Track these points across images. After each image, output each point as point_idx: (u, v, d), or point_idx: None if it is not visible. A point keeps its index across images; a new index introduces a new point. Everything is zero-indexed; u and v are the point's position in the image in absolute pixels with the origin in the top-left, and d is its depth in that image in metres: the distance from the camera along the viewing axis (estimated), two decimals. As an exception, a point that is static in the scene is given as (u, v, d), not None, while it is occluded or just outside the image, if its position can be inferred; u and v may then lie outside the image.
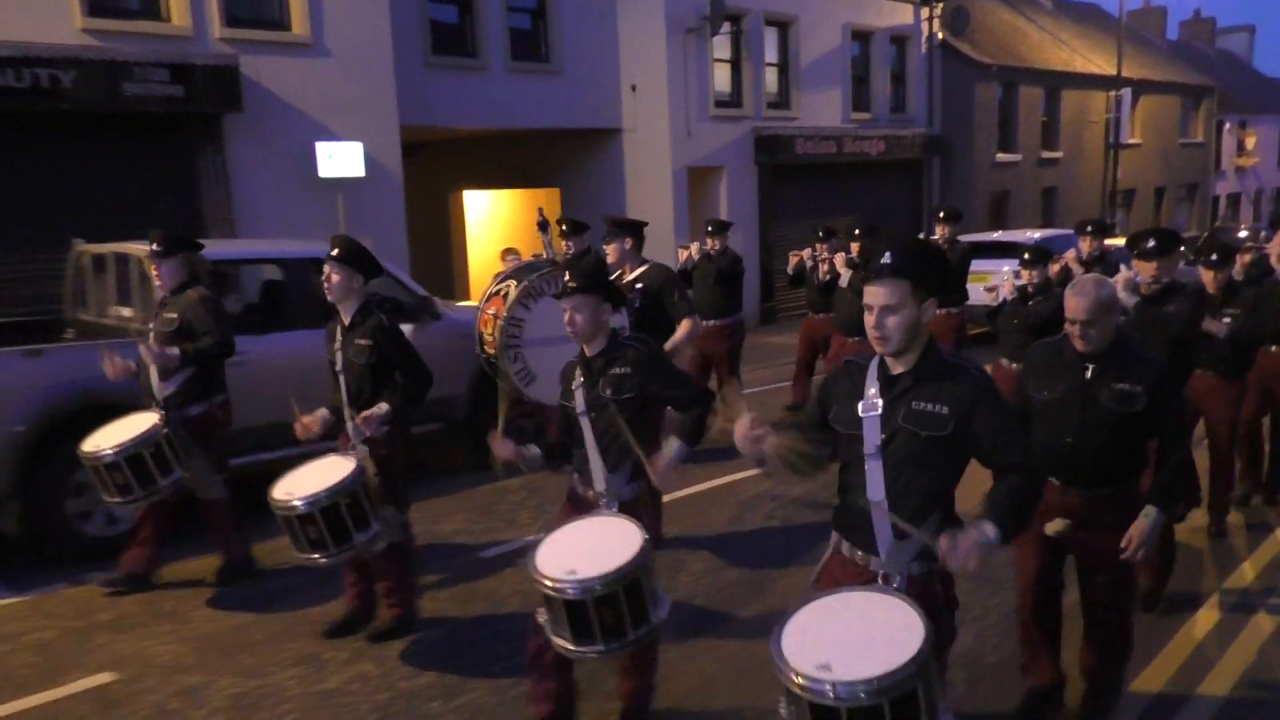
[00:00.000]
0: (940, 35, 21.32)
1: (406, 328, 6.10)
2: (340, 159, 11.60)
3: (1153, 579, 4.96)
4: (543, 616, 3.39)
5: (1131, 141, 26.45)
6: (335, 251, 4.64)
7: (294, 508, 4.28)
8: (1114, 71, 24.69)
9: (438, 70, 13.84)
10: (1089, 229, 7.63)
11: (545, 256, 7.02)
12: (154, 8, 10.44)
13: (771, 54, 18.00)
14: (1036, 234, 15.67)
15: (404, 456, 4.83)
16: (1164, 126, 28.95)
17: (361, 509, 4.40)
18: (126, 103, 9.92)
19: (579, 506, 3.77)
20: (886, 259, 2.72)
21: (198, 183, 10.75)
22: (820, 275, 8.86)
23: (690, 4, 15.93)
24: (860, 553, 2.85)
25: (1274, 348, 6.32)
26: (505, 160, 17.73)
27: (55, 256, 8.98)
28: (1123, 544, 3.52)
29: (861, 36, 19.70)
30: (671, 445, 3.62)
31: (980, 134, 22.04)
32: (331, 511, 4.29)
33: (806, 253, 9.20)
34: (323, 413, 4.72)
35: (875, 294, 2.73)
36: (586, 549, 3.32)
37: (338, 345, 4.69)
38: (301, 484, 4.40)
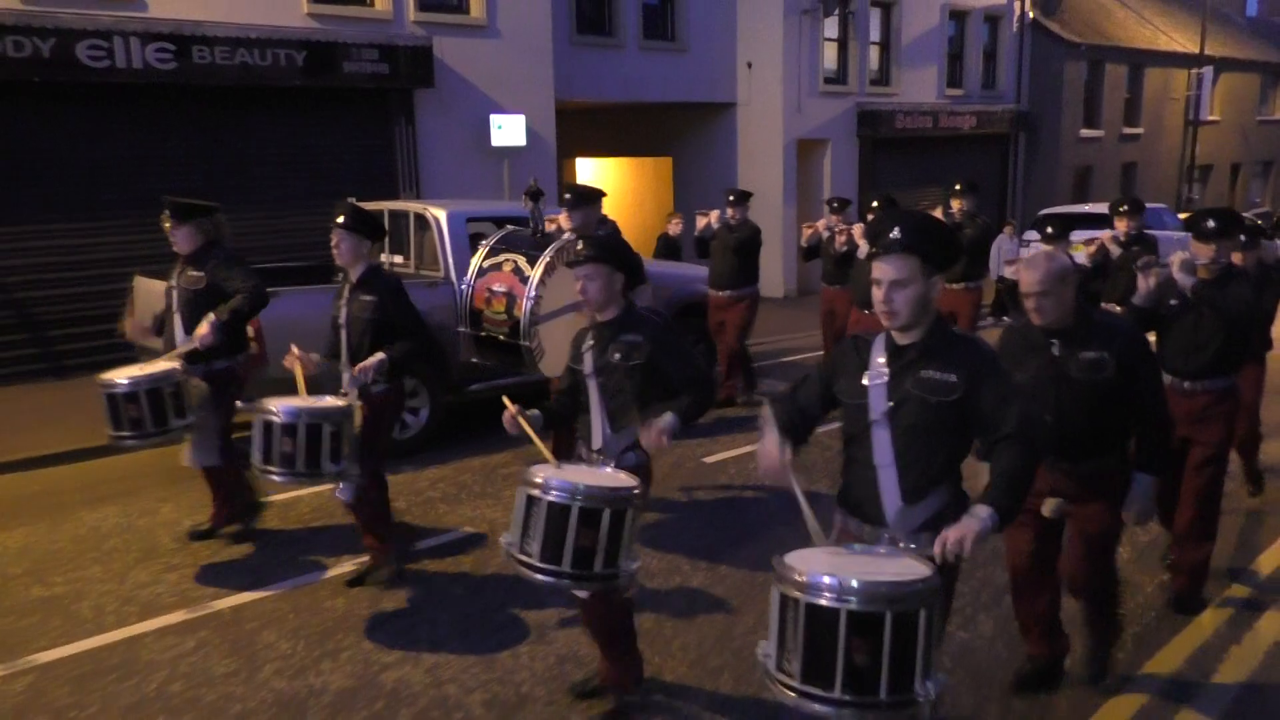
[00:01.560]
0: (1031, 14, 22.17)
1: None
2: (508, 130, 13.01)
3: (1185, 581, 4.83)
4: (508, 536, 3.28)
5: (1210, 119, 27.06)
6: (341, 219, 4.72)
7: (276, 414, 4.33)
8: (1195, 49, 25.33)
9: (581, 48, 15.16)
10: (1123, 208, 7.30)
11: (539, 229, 6.69)
12: (363, -8, 11.90)
13: (875, 33, 19.07)
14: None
15: (390, 423, 5.00)
16: (1242, 104, 29.45)
17: (340, 442, 4.43)
18: (344, 79, 11.42)
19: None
20: (895, 234, 2.71)
21: (393, 150, 12.25)
22: (837, 246, 8.51)
23: (805, -14, 17.08)
24: (868, 528, 2.85)
25: None
26: (618, 130, 19.04)
27: (289, 213, 10.61)
28: (1124, 518, 3.66)
29: (958, 15, 20.66)
30: (666, 416, 3.59)
31: (1066, 110, 22.92)
32: (313, 431, 4.34)
33: (821, 224, 8.96)
34: (315, 356, 4.81)
35: (884, 269, 2.74)
36: (585, 473, 3.39)
37: (343, 301, 4.82)
38: (294, 402, 4.48)
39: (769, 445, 2.87)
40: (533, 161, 13.48)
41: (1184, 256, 4.74)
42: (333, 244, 4.75)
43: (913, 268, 2.71)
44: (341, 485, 4.71)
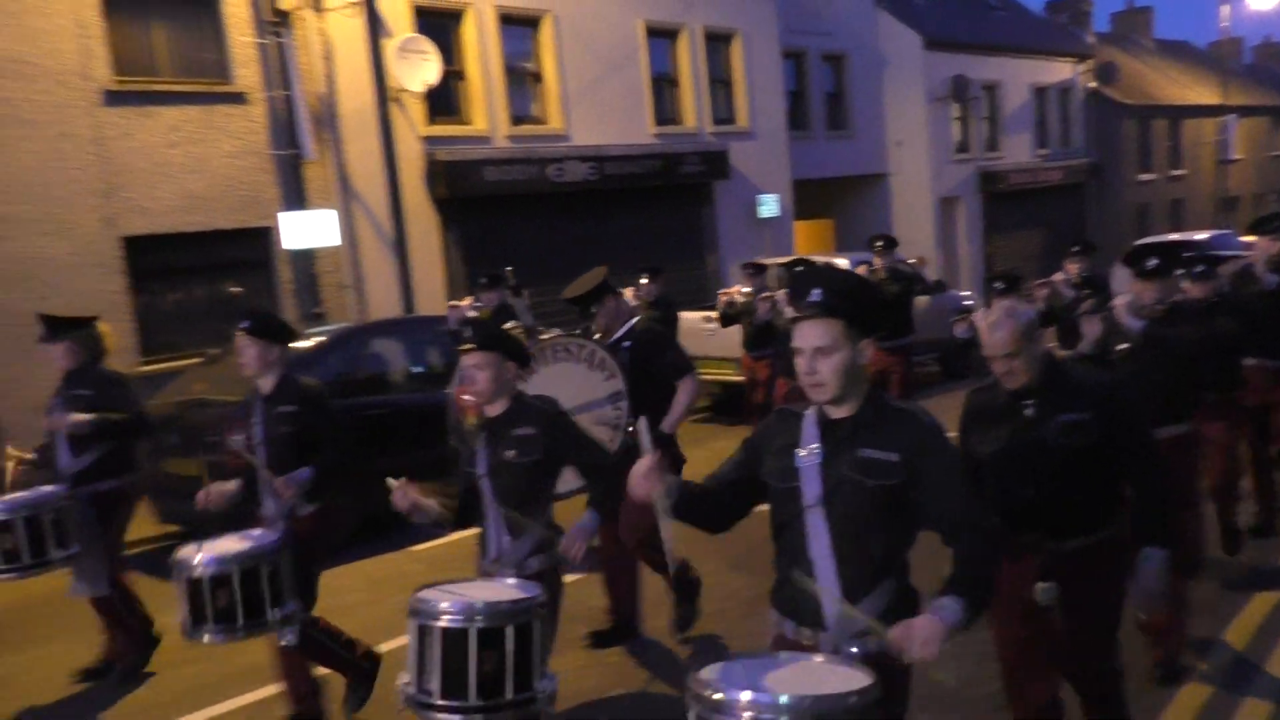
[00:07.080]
0: (1093, 85, 27.21)
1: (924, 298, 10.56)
2: (768, 206, 17.66)
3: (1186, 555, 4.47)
4: (404, 676, 2.93)
5: (1235, 157, 32.00)
6: (246, 324, 4.21)
7: (200, 567, 3.74)
8: (1214, 100, 30.37)
9: (789, 141, 19.88)
10: (1075, 250, 7.07)
11: (521, 323, 6.10)
12: (679, 115, 16.58)
13: (985, 110, 24.00)
14: (1202, 235, 21.14)
15: (325, 550, 4.40)
16: (1258, 141, 34.47)
17: (280, 583, 3.92)
18: (679, 178, 16.05)
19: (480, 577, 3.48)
20: (816, 295, 2.43)
21: (700, 226, 16.87)
22: (760, 313, 7.86)
23: (939, 81, 21.99)
24: (808, 630, 2.49)
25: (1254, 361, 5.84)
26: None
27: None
28: (1137, 608, 3.32)
29: (1040, 91, 25.64)
30: (584, 520, 3.41)
31: (1125, 160, 27.83)
32: (250, 577, 3.79)
33: (735, 289, 8.58)
34: (234, 483, 4.30)
35: (805, 335, 2.46)
36: (478, 591, 3.04)
37: (254, 419, 4.30)
38: (215, 548, 3.90)
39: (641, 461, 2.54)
40: (783, 227, 18.10)
41: (1128, 299, 4.64)
42: (237, 351, 4.29)
43: (836, 333, 2.43)
44: (285, 630, 4.09)
